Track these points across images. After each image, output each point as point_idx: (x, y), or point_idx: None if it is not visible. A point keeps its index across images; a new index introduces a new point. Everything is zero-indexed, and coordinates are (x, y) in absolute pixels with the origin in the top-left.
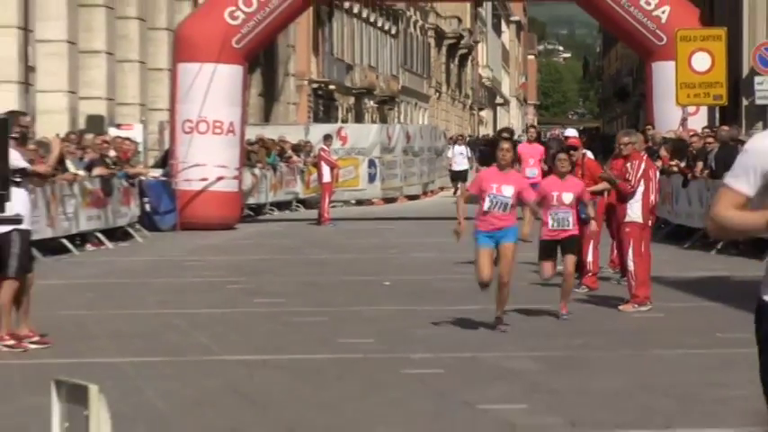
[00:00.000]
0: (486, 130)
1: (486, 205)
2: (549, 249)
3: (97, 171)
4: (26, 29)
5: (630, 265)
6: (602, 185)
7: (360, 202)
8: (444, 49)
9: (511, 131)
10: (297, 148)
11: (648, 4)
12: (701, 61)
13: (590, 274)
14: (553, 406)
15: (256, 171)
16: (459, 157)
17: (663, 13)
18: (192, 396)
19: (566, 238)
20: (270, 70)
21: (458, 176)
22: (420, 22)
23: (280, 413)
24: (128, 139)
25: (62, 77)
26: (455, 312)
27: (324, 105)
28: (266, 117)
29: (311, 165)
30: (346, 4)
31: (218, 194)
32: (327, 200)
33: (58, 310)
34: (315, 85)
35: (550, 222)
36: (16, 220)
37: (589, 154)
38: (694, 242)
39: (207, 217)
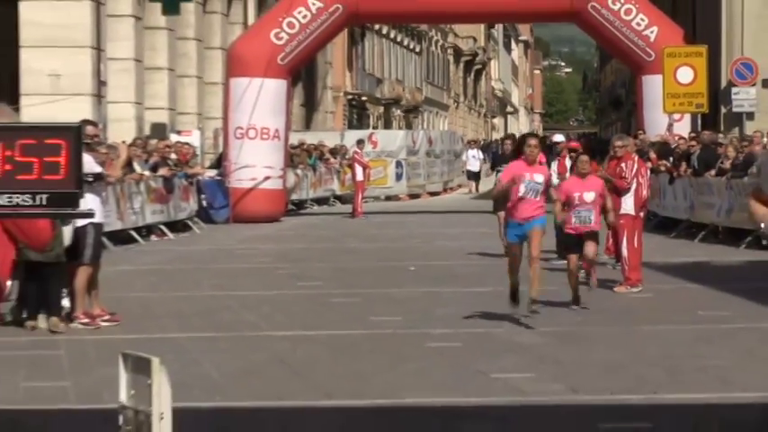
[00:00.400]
0: (498, 135)
1: (522, 190)
2: (572, 243)
3: (160, 171)
4: (99, 48)
5: (624, 251)
6: None
7: (388, 198)
8: (461, 65)
9: (513, 137)
10: (333, 152)
11: (639, 24)
12: (685, 74)
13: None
14: (557, 375)
15: (298, 171)
16: (473, 160)
17: (651, 32)
18: (242, 367)
19: (587, 232)
20: (310, 84)
21: (472, 176)
22: (440, 42)
23: (319, 381)
24: (187, 143)
25: (130, 90)
26: (471, 294)
27: (357, 114)
28: (307, 124)
29: (346, 166)
30: (376, 26)
31: (266, 192)
32: (360, 196)
33: (126, 292)
34: (349, 97)
35: (573, 220)
36: (89, 214)
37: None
38: (679, 232)
39: (256, 211)
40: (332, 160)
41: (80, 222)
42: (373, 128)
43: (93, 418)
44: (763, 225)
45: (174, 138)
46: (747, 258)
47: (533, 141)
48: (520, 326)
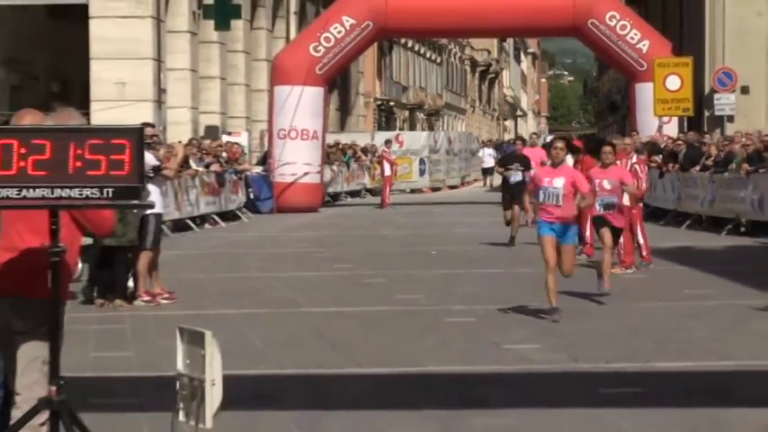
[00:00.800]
0: (509, 136)
1: (540, 197)
2: (601, 222)
3: (213, 168)
4: (159, 60)
5: (620, 238)
6: None
7: (413, 191)
8: (477, 74)
9: (522, 138)
10: (365, 150)
11: (632, 39)
12: (673, 82)
13: (588, 245)
14: (560, 346)
15: (334, 167)
16: (488, 157)
17: (644, 45)
18: (284, 339)
19: (612, 223)
20: (344, 90)
21: (486, 172)
22: (458, 54)
23: (351, 352)
24: (236, 143)
25: (186, 97)
26: (485, 275)
27: (385, 117)
28: (341, 126)
29: (376, 162)
30: (402, 40)
31: (305, 185)
32: (388, 189)
33: (183, 273)
34: (378, 102)
35: (597, 207)
36: (149, 205)
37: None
38: (668, 220)
39: (296, 202)
40: (363, 158)
41: (144, 212)
42: (399, 129)
43: (153, 385)
44: None
45: (225, 138)
46: (728, 244)
47: (560, 144)
48: (527, 302)
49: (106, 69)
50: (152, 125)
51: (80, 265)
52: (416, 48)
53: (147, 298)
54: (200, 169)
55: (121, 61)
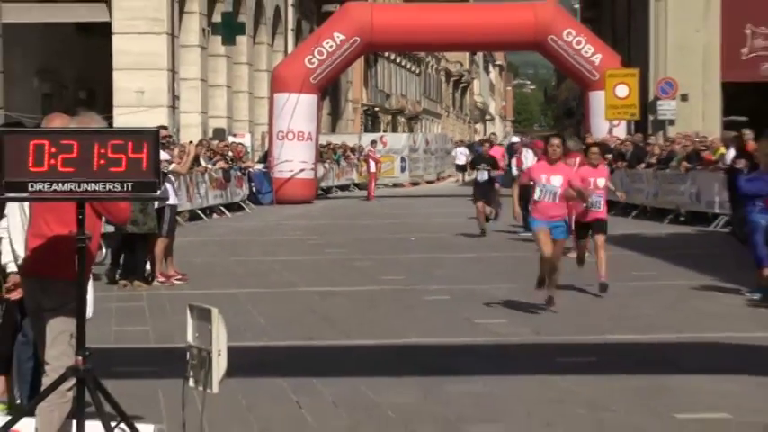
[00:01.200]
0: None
1: (537, 194)
2: (582, 231)
3: (220, 165)
4: (173, 71)
5: (573, 226)
6: None
7: (395, 185)
8: (451, 83)
9: (490, 141)
10: (353, 150)
11: (586, 53)
12: (622, 90)
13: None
14: (524, 321)
15: (326, 165)
16: (461, 156)
17: (596, 58)
18: (283, 315)
19: (594, 220)
20: (335, 97)
21: (459, 169)
22: (435, 65)
23: (342, 326)
24: (240, 143)
25: (197, 103)
26: (459, 259)
27: (371, 121)
28: (332, 129)
29: (362, 160)
30: (386, 54)
31: (301, 180)
32: (373, 184)
33: (194, 257)
34: (365, 107)
35: (584, 204)
36: (164, 198)
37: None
38: (617, 211)
39: (293, 195)
40: (351, 156)
41: (159, 204)
42: (383, 131)
43: (167, 355)
44: None
45: (230, 139)
46: (669, 231)
47: (556, 141)
48: (496, 283)
49: (127, 79)
50: (166, 128)
51: (104, 251)
52: (398, 60)
53: (162, 279)
54: (209, 166)
55: (140, 72)
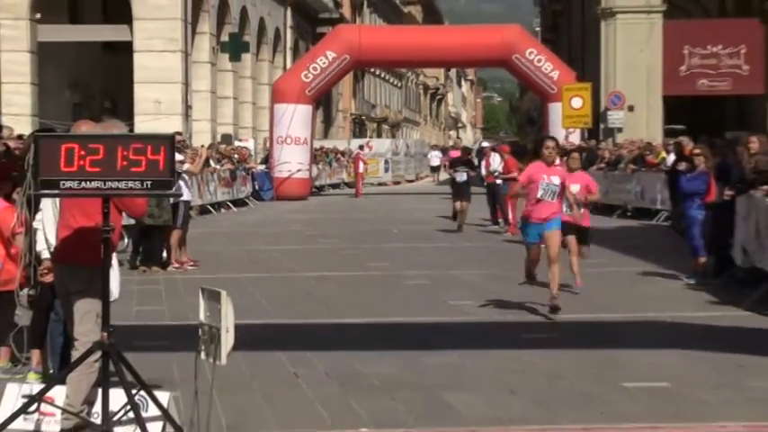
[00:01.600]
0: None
1: (540, 192)
2: (565, 227)
3: (227, 166)
4: (186, 84)
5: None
6: (514, 174)
7: (380, 184)
8: (428, 95)
9: (479, 149)
10: (343, 153)
11: (546, 69)
12: (577, 102)
13: (511, 225)
14: (493, 302)
15: (319, 166)
16: (435, 158)
17: (554, 74)
18: (282, 297)
19: (569, 224)
20: (327, 107)
21: (434, 169)
22: (414, 80)
23: (333, 307)
24: (245, 147)
25: (207, 112)
26: (436, 248)
27: (358, 128)
28: (325, 134)
29: (351, 162)
30: (372, 69)
31: (297, 180)
32: (361, 182)
33: (205, 246)
34: (353, 116)
35: (564, 208)
36: (179, 194)
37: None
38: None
39: (291, 192)
40: (341, 158)
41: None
42: (369, 137)
43: (181, 331)
44: None
45: (236, 143)
46: (617, 225)
47: (551, 143)
48: (468, 269)
49: (146, 91)
50: (180, 133)
51: (126, 240)
52: (382, 75)
53: (177, 265)
54: (218, 167)
55: (158, 85)
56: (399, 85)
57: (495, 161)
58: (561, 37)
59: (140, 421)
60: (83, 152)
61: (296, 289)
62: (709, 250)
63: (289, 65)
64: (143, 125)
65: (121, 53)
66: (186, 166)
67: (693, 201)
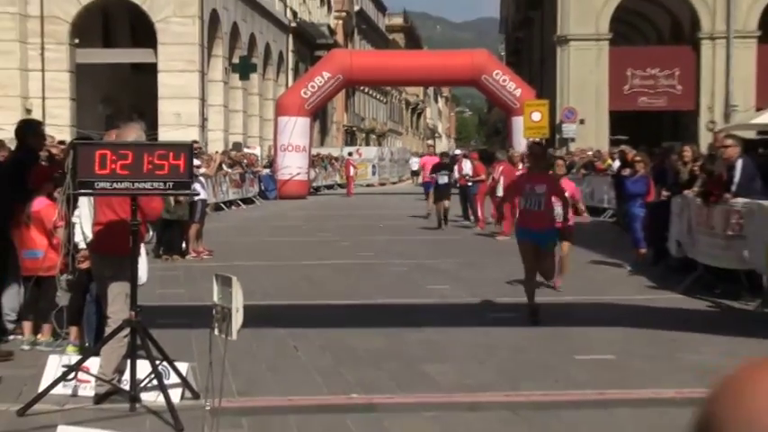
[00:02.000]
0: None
1: (522, 203)
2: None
3: (237, 170)
4: (203, 99)
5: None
6: (482, 177)
7: (368, 185)
8: (410, 110)
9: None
10: (336, 158)
11: (510, 87)
12: (536, 116)
13: (480, 220)
14: (464, 287)
15: (316, 169)
16: (414, 163)
17: (517, 91)
18: (284, 282)
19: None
20: (323, 119)
21: (414, 173)
22: (398, 96)
23: (326, 289)
24: (253, 154)
25: (220, 123)
26: (415, 240)
27: (350, 137)
28: (321, 143)
29: (344, 166)
30: (362, 87)
31: (298, 181)
32: (352, 184)
33: (218, 238)
34: (345, 127)
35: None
36: (196, 194)
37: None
38: None
39: (292, 192)
40: (335, 163)
41: (196, 198)
42: (359, 145)
43: (197, 310)
44: None
45: (245, 150)
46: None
47: (537, 150)
48: (441, 258)
49: (168, 105)
50: (198, 142)
51: (151, 233)
52: (370, 92)
53: (194, 254)
54: (229, 171)
55: (178, 100)
56: (385, 100)
57: (467, 166)
58: (523, 60)
59: (163, 387)
60: (114, 157)
61: (296, 274)
62: (649, 243)
63: (290, 83)
64: (166, 135)
65: (147, 73)
66: (203, 170)
67: (635, 200)
